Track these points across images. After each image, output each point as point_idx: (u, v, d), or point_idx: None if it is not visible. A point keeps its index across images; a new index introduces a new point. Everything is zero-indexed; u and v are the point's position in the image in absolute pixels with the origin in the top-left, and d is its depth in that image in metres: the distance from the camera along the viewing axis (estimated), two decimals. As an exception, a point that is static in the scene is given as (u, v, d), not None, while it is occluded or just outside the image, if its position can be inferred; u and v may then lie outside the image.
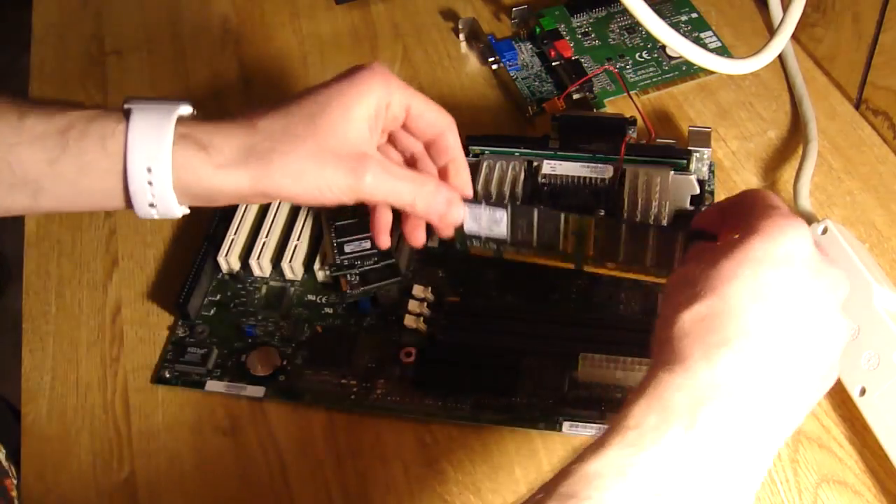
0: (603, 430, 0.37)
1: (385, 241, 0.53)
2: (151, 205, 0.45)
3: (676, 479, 0.35)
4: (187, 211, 0.46)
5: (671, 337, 0.38)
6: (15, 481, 0.68)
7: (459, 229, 0.52)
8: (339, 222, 0.60)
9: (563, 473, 0.35)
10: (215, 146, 0.44)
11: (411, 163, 0.52)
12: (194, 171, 0.44)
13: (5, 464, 0.69)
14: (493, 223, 0.53)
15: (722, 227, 0.44)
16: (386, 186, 0.46)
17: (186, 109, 0.46)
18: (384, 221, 0.53)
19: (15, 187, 0.45)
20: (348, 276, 0.58)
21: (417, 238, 0.52)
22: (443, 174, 0.51)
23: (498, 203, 0.53)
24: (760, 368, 0.37)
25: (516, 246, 0.55)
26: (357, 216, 0.60)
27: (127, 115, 0.44)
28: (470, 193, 0.52)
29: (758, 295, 0.38)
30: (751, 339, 0.37)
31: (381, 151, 0.49)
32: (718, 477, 0.36)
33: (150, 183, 0.44)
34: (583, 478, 0.35)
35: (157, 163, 0.44)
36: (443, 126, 0.50)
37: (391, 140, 0.51)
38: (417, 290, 0.59)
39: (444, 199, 0.48)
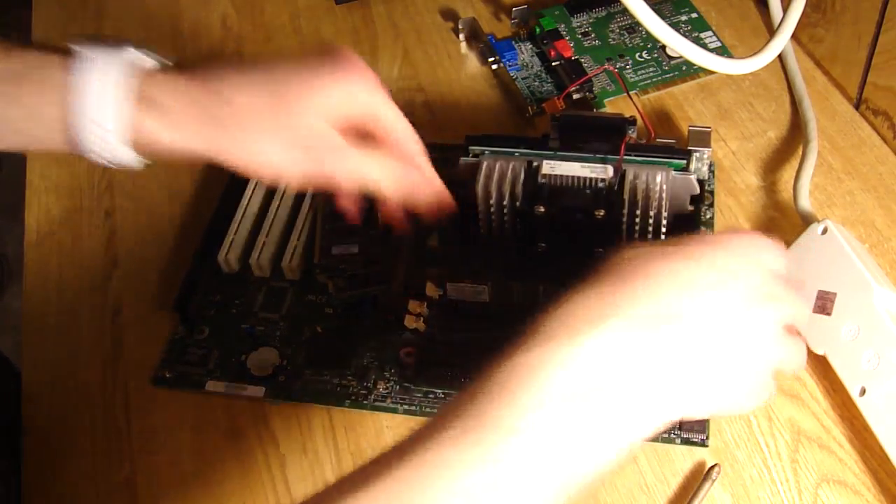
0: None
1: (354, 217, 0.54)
2: (101, 156, 0.44)
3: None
4: (144, 162, 0.46)
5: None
6: None
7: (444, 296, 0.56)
8: (329, 225, 0.60)
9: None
10: (169, 107, 0.44)
11: None
12: (144, 129, 0.44)
13: None
14: (476, 294, 0.56)
15: None
16: (346, 167, 0.46)
17: (136, 56, 0.45)
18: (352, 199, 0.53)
19: None
20: (335, 279, 0.58)
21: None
22: None
23: (480, 280, 0.54)
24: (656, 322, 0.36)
25: (497, 305, 0.57)
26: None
27: (74, 61, 0.44)
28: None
29: (677, 274, 0.37)
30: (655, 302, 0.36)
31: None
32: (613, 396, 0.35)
33: (98, 137, 0.44)
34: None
35: (105, 116, 0.43)
36: (409, 138, 0.50)
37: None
38: (417, 290, 0.59)
39: (416, 177, 0.48)
